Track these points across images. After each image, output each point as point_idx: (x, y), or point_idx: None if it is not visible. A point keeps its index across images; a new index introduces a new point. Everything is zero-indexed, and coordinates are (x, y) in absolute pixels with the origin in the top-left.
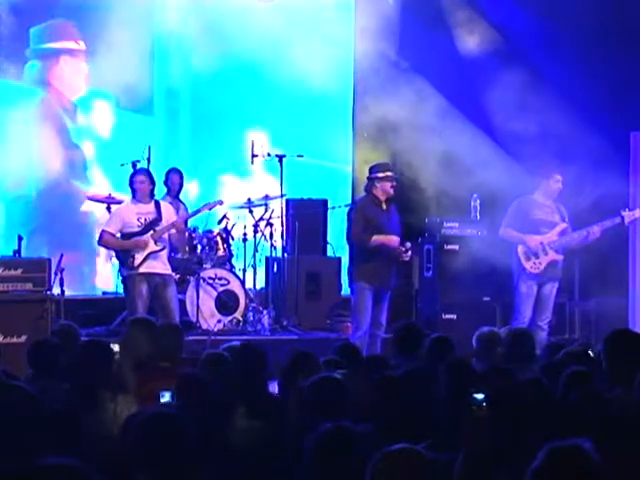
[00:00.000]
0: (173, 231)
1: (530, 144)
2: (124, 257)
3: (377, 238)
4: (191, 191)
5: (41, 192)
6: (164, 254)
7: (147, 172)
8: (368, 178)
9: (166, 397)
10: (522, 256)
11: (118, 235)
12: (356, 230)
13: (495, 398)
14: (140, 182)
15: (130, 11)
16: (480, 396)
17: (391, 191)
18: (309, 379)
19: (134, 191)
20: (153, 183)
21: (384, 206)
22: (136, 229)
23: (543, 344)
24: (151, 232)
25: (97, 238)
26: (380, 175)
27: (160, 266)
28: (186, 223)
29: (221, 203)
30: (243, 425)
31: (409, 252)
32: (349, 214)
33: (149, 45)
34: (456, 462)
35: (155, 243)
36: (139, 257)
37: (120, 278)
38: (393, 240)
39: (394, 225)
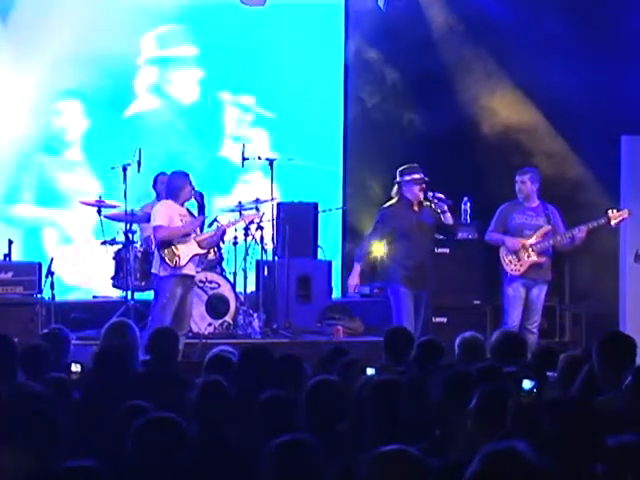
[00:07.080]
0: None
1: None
2: (170, 256)
3: None
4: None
5: None
6: None
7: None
8: (397, 182)
9: None
10: (503, 259)
11: None
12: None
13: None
14: (187, 187)
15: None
16: (528, 384)
17: (420, 194)
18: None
19: (179, 195)
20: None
21: (415, 208)
22: None
23: (533, 347)
24: (194, 235)
25: (153, 237)
26: (407, 178)
27: (194, 269)
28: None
29: (259, 214)
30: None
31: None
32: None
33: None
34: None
35: (199, 246)
36: (185, 257)
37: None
38: None
39: (425, 224)
